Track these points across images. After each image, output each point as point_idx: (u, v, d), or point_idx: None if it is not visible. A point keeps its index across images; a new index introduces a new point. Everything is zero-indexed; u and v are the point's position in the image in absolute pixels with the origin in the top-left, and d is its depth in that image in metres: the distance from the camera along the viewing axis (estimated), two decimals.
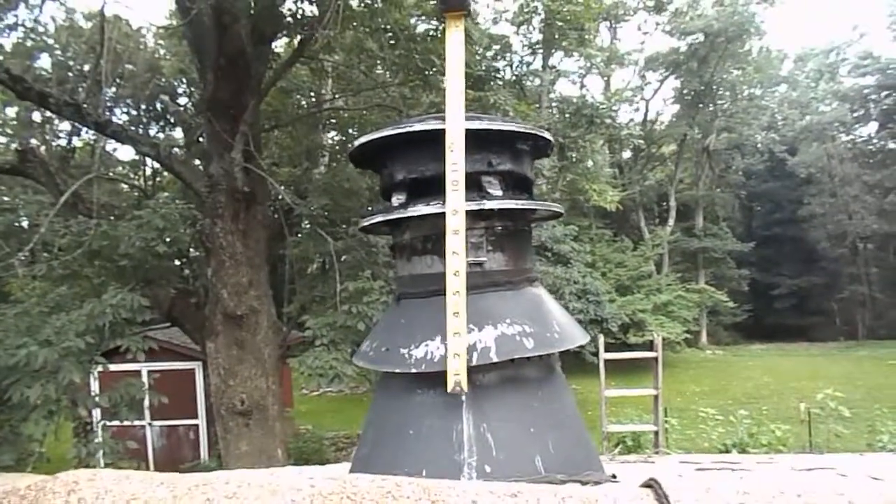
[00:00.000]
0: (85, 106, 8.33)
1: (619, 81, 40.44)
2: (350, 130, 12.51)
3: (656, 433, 6.55)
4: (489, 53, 13.40)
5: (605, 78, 35.37)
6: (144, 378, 15.57)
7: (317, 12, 8.66)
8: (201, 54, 9.65)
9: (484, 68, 9.47)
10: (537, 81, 22.33)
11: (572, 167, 18.35)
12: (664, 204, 38.34)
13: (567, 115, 18.19)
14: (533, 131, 1.32)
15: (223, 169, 9.49)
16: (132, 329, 7.91)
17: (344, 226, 9.14)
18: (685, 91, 35.42)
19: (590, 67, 30.77)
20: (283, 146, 12.94)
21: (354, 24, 9.68)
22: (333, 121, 13.27)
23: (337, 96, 11.93)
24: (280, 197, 9.69)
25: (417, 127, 1.22)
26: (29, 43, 29.19)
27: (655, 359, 6.36)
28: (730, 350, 34.58)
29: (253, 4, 9.04)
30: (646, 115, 37.68)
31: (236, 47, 9.14)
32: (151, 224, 7.72)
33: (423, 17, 10.08)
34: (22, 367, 6.03)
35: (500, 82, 9.95)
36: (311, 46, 9.05)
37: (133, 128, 12.13)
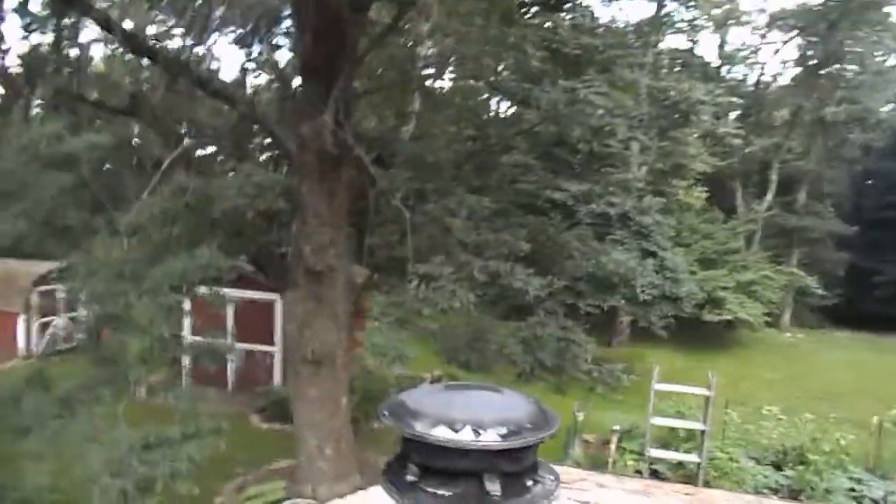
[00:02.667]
0: (189, 63, 8.76)
1: (736, 41, 37.49)
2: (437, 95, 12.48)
3: (699, 465, 6.56)
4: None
5: (720, 36, 32.93)
6: (229, 307, 16.72)
7: None
8: (300, 16, 9.82)
9: (579, 45, 9.08)
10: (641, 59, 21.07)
11: (664, 159, 17.54)
12: (766, 174, 36.04)
13: (665, 106, 17.27)
14: (542, 436, 1.39)
15: (313, 130, 9.80)
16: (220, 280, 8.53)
17: (425, 202, 9.32)
18: (809, 53, 32.52)
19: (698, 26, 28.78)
20: (373, 105, 13.09)
21: None
22: (429, 81, 13.24)
23: (430, 65, 11.86)
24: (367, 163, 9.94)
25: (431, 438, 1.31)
26: None
27: (707, 397, 6.29)
28: (813, 335, 32.94)
29: None
30: (759, 77, 35.03)
31: (334, 12, 9.23)
32: (242, 191, 8.18)
33: None
34: (123, 317, 6.73)
35: (597, 64, 9.53)
36: (405, 14, 9.01)
37: (232, 85, 12.61)
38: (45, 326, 18.77)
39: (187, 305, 13.85)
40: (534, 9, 10.87)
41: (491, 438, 1.33)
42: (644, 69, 16.72)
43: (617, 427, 10.34)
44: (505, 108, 17.50)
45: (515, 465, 1.42)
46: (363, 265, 10.91)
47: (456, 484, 1.35)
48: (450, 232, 8.80)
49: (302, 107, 10.25)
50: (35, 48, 32.69)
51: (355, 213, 11.00)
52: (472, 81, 11.11)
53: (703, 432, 6.61)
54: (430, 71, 11.68)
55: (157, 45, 8.67)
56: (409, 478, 1.41)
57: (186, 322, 13.05)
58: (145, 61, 10.90)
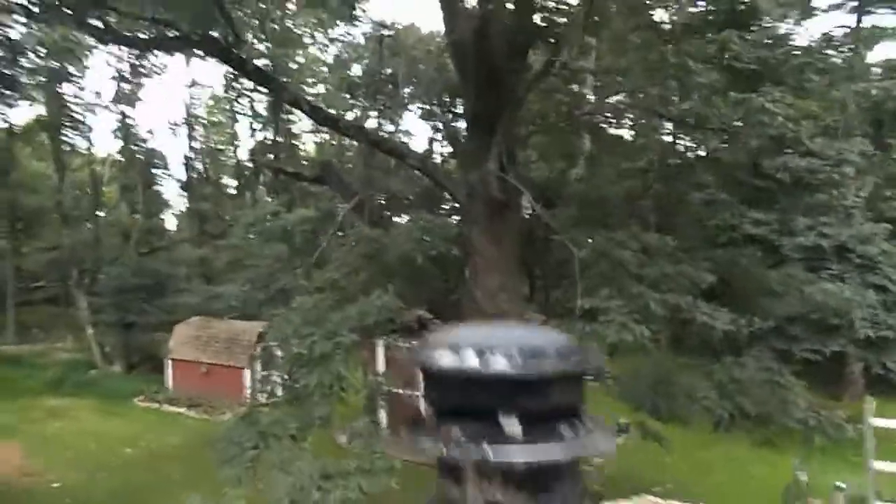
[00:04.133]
0: (364, 125, 9.63)
1: None
2: (607, 132, 12.18)
3: None
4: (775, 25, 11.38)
5: None
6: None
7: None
8: (463, 71, 10.34)
9: (757, 58, 8.28)
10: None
11: (876, 164, 15.10)
12: None
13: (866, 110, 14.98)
14: (562, 369, 1.14)
15: (479, 178, 10.09)
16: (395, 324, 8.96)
17: (590, 238, 9.03)
18: None
19: None
20: (540, 147, 13.18)
21: (611, 24, 9.38)
22: (596, 118, 13.06)
23: (594, 98, 11.71)
24: (532, 205, 9.95)
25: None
26: (344, 56, 34.27)
27: None
28: None
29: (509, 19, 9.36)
30: None
31: (493, 63, 9.58)
32: (412, 235, 8.62)
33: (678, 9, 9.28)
34: (306, 357, 7.33)
35: (782, 70, 8.59)
36: (561, 54, 9.04)
37: (403, 143, 13.56)
38: (266, 378, 21.07)
39: (381, 357, 14.78)
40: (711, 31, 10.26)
41: (498, 363, 1.12)
42: (842, 76, 14.75)
43: (842, 484, 8.62)
44: (685, 143, 16.55)
45: (539, 401, 1.18)
46: (535, 309, 10.75)
47: (468, 422, 1.16)
48: (621, 266, 8.35)
49: (469, 157, 10.66)
50: (260, 142, 38.16)
51: (526, 258, 10.98)
52: (637, 113, 10.69)
53: None
54: (595, 108, 11.49)
55: (336, 114, 9.64)
56: (426, 415, 1.25)
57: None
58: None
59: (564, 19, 8.79)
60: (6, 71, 24.35)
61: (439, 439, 1.23)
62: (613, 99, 11.31)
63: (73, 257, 28.03)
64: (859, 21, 22.60)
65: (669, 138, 16.41)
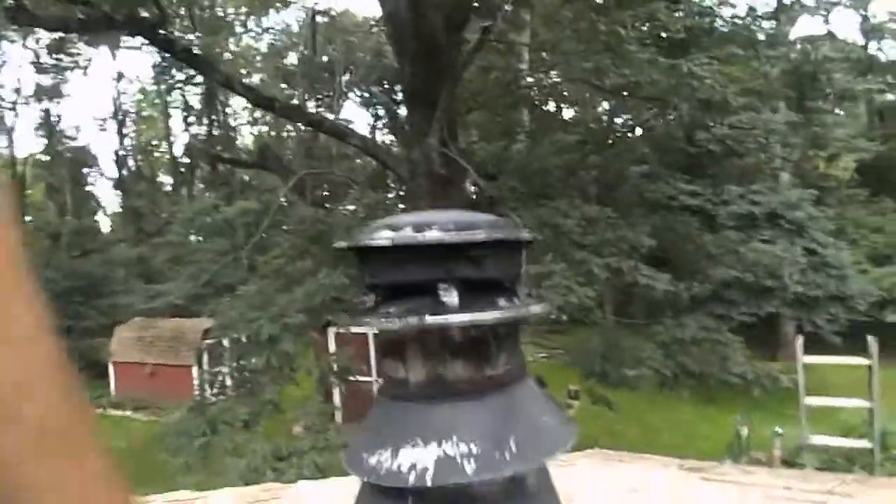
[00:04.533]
0: (303, 106, 9.46)
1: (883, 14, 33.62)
2: (545, 107, 12.37)
3: (871, 451, 5.52)
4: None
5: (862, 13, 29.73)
6: (370, 340, 17.34)
7: None
8: (400, 46, 10.26)
9: (684, 27, 8.55)
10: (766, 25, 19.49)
11: (800, 129, 15.83)
12: None
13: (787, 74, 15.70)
14: (496, 237, 1.17)
15: (422, 154, 10.07)
16: (344, 304, 8.88)
17: (533, 205, 9.14)
18: None
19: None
20: (480, 125, 13.25)
21: None
22: (534, 93, 13.20)
23: (529, 72, 11.83)
24: (475, 179, 10.01)
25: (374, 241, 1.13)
26: (279, 44, 33.48)
27: (869, 367, 5.34)
28: None
29: None
30: None
31: (430, 38, 9.54)
32: (356, 215, 8.55)
33: None
34: (253, 339, 7.19)
35: (708, 40, 8.92)
36: (496, 28, 9.09)
37: (343, 123, 13.40)
38: (214, 374, 20.58)
39: (332, 341, 14.66)
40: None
41: (434, 234, 1.14)
42: (765, 45, 15.34)
43: (780, 430, 9.11)
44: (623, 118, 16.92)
45: (475, 271, 1.21)
46: None
47: (409, 300, 1.17)
48: (563, 234, 8.50)
49: (410, 134, 10.61)
50: (194, 136, 36.91)
51: None
52: (573, 87, 10.87)
53: (870, 410, 5.57)
54: (532, 81, 11.62)
55: (272, 96, 9.42)
56: (366, 303, 1.25)
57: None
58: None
59: None
60: None
61: (381, 316, 1.26)
62: (551, 73, 11.47)
63: None
64: None
65: (607, 116, 16.82)
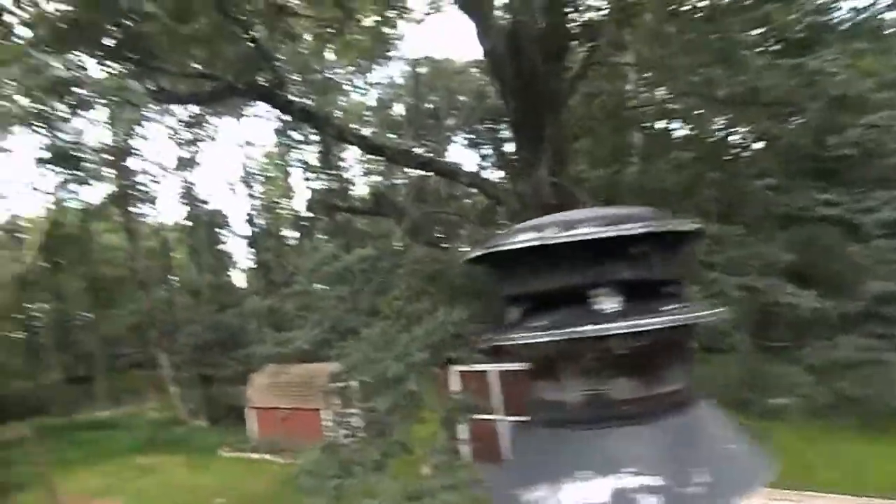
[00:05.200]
0: (412, 150, 9.73)
1: None
2: (656, 125, 11.88)
3: None
4: None
5: None
6: (491, 378, 17.16)
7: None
8: (502, 81, 10.32)
9: (805, 26, 7.92)
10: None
11: None
12: None
13: None
14: (658, 229, 1.00)
15: (531, 186, 9.97)
16: (464, 340, 8.83)
17: None
18: None
19: None
20: (590, 152, 12.95)
21: (647, 14, 9.20)
22: (642, 114, 12.78)
23: (641, 91, 11.46)
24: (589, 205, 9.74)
25: (517, 243, 0.99)
26: (385, 97, 35.14)
27: None
28: None
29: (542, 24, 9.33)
30: None
31: (530, 70, 9.53)
32: (466, 252, 8.55)
33: None
34: (379, 379, 7.29)
35: (830, 36, 8.20)
36: (601, 50, 8.91)
37: (453, 163, 13.64)
38: (344, 417, 21.15)
39: (454, 379, 14.67)
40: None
41: (586, 231, 0.99)
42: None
43: None
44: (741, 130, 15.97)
45: (635, 271, 1.03)
46: None
47: (559, 310, 1.02)
48: (688, 258, 7.98)
49: (518, 167, 10.58)
50: (315, 190, 39.18)
51: None
52: (686, 101, 10.37)
53: None
54: (641, 102, 11.24)
55: (381, 143, 9.78)
56: (511, 319, 1.12)
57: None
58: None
59: (596, 16, 8.68)
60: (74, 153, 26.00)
61: (528, 330, 1.10)
62: (659, 91, 11.05)
63: (151, 321, 29.33)
64: None
65: (723, 130, 15.90)
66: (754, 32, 8.56)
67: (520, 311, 1.11)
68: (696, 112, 12.42)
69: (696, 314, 1.06)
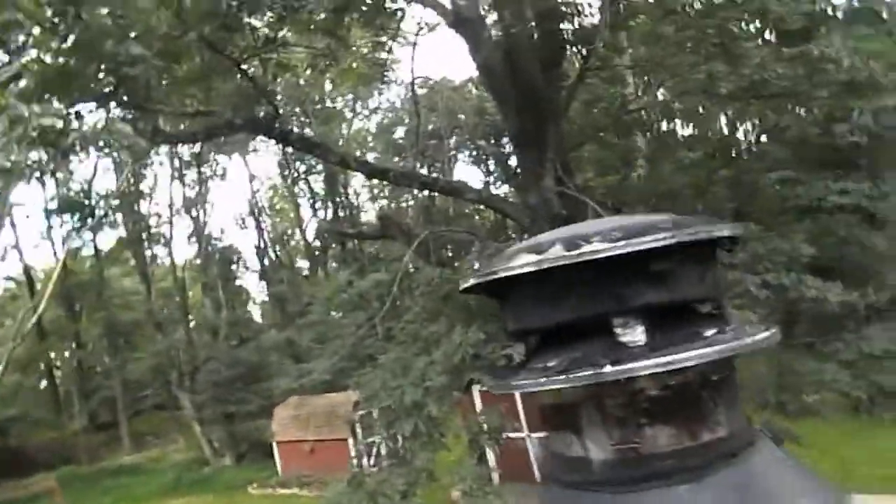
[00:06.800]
0: (417, 171, 9.64)
1: None
2: (659, 128, 11.74)
3: None
4: None
5: None
6: (517, 396, 16.86)
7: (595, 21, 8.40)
8: (500, 95, 10.22)
9: (803, 14, 7.73)
10: None
11: None
12: None
13: None
14: (687, 238, 0.80)
15: (539, 198, 9.80)
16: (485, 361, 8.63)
17: None
18: None
19: None
20: (596, 160, 12.80)
21: (640, 16, 9.10)
22: (644, 116, 12.64)
23: (636, 95, 11.34)
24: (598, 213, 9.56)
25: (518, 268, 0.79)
26: (385, 121, 35.35)
27: None
28: None
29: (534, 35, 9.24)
30: None
31: (527, 80, 9.42)
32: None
33: None
34: (397, 406, 7.10)
35: (833, 23, 8.01)
36: (596, 55, 8.80)
37: (457, 181, 13.54)
38: (369, 446, 20.90)
39: (478, 399, 14.44)
40: None
41: (594, 246, 0.80)
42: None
43: None
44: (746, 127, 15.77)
45: (662, 292, 0.83)
46: None
47: (572, 346, 0.84)
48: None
49: (524, 180, 10.42)
50: (322, 220, 39.28)
51: None
52: (687, 99, 10.21)
53: None
54: (641, 103, 11.11)
55: (385, 167, 9.70)
56: (514, 359, 0.94)
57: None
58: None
59: (589, 21, 8.59)
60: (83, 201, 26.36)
61: (537, 374, 0.87)
62: (661, 92, 10.91)
63: (170, 361, 29.32)
64: None
65: (727, 126, 15.69)
66: (752, 27, 8.41)
67: (524, 348, 0.92)
68: (700, 110, 12.26)
69: (745, 340, 0.86)
